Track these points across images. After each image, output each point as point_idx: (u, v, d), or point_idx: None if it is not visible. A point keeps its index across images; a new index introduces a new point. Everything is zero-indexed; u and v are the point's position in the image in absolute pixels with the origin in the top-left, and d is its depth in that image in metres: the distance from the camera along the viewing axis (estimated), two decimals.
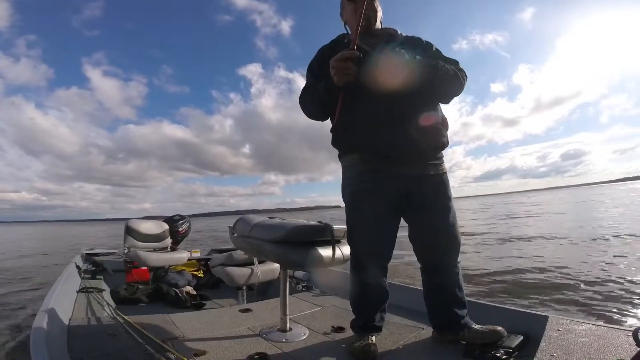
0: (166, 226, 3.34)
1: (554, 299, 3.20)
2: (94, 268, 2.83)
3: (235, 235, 1.65)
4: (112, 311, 1.71)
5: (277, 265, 2.37)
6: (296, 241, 1.34)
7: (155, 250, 3.08)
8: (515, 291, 3.57)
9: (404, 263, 4.52)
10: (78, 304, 1.90)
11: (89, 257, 3.20)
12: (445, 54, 1.30)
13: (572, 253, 5.41)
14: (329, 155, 1.41)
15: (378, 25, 1.34)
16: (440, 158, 1.29)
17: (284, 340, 1.39)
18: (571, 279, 3.78)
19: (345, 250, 1.41)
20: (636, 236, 6.33)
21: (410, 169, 1.22)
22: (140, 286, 2.57)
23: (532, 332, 1.20)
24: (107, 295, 2.25)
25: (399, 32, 1.35)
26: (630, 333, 0.87)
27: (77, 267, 2.71)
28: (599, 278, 3.71)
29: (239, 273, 2.32)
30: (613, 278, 3.65)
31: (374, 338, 1.26)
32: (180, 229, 3.59)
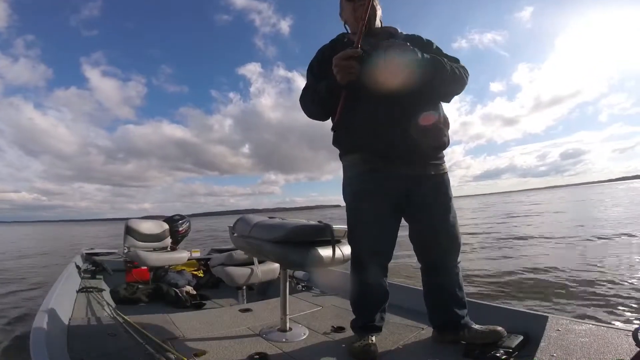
0: (166, 226, 3.34)
1: (554, 299, 3.20)
2: (93, 268, 2.82)
3: (235, 235, 1.65)
4: (112, 311, 1.71)
5: (277, 265, 2.37)
6: (296, 241, 1.34)
7: (155, 250, 3.08)
8: (515, 291, 3.57)
9: (404, 263, 4.51)
10: (78, 303, 1.90)
11: (88, 257, 3.20)
12: (445, 52, 1.29)
13: (572, 252, 5.41)
14: (329, 154, 1.41)
15: (378, 24, 1.34)
16: (441, 158, 1.28)
17: (284, 340, 1.39)
18: (571, 279, 3.78)
19: (345, 250, 1.41)
20: (636, 236, 6.32)
21: (410, 169, 1.22)
22: (140, 286, 2.57)
23: (532, 332, 1.20)
24: (107, 295, 2.25)
25: (399, 30, 1.34)
26: (630, 333, 0.87)
27: (77, 267, 2.71)
28: (598, 278, 3.70)
29: (239, 273, 2.32)
30: (613, 278, 3.65)
31: (374, 338, 1.26)
32: (180, 229, 3.59)
